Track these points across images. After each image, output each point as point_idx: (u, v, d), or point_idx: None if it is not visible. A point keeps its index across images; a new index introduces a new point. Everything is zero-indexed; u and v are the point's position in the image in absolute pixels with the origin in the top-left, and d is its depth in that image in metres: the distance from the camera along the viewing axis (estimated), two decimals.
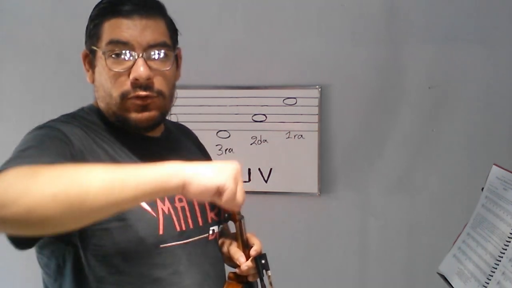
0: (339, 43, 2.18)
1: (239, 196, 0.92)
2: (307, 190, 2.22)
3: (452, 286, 1.28)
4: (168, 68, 1.10)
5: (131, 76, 1.05)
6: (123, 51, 1.05)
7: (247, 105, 2.23)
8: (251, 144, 2.24)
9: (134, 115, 1.08)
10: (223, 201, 0.90)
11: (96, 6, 1.14)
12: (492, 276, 1.15)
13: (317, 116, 2.19)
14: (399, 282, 2.20)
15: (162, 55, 1.08)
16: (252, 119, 2.24)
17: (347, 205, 2.22)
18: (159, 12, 1.11)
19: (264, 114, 2.24)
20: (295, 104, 2.21)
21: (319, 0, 2.19)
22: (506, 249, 1.15)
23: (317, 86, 2.19)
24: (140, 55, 1.05)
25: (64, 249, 1.02)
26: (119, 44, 1.05)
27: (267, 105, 2.23)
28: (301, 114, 2.20)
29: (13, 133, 2.44)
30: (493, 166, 1.33)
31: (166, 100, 1.12)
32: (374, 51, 2.16)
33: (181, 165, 0.89)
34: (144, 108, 1.08)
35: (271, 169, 2.24)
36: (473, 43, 2.09)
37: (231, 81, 2.20)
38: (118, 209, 0.85)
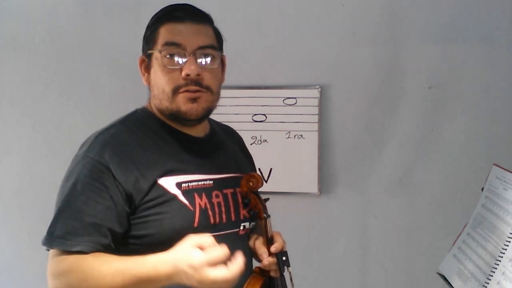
0: (339, 43, 2.18)
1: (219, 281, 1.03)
2: (307, 190, 2.22)
3: (452, 286, 1.28)
4: (215, 67, 1.25)
5: (183, 73, 1.19)
6: (177, 51, 1.20)
7: (247, 105, 2.23)
8: (251, 144, 2.24)
9: (185, 107, 1.21)
10: None
11: (153, 16, 1.28)
12: (492, 276, 1.15)
13: (317, 116, 2.19)
14: (399, 282, 2.20)
15: (210, 55, 1.23)
16: (252, 119, 2.24)
17: (347, 205, 2.22)
18: (207, 20, 1.28)
19: (264, 114, 2.24)
20: (295, 104, 2.21)
21: (319, 0, 2.19)
22: (506, 249, 1.15)
23: (317, 86, 2.19)
24: (191, 55, 1.20)
25: None
26: (173, 46, 1.21)
27: (267, 105, 2.23)
28: (301, 114, 2.20)
29: (13, 133, 2.47)
30: (493, 166, 1.33)
31: (213, 96, 1.26)
32: (374, 51, 2.16)
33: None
34: (194, 100, 1.21)
35: (271, 169, 2.24)
36: (473, 43, 2.09)
37: (231, 81, 2.19)
38: None
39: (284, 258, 1.25)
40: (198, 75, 1.20)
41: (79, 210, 1.12)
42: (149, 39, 1.25)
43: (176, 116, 1.23)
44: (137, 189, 1.15)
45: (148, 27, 1.28)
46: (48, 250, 1.14)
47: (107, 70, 2.34)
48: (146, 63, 1.27)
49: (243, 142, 1.54)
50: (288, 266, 1.25)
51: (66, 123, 2.37)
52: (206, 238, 1.06)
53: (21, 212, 2.41)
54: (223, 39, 1.31)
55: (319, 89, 2.18)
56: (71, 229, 1.11)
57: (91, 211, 1.12)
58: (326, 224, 2.24)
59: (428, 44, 2.12)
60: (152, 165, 1.18)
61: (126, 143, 1.20)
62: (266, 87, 2.23)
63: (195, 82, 1.20)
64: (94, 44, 2.35)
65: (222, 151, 1.36)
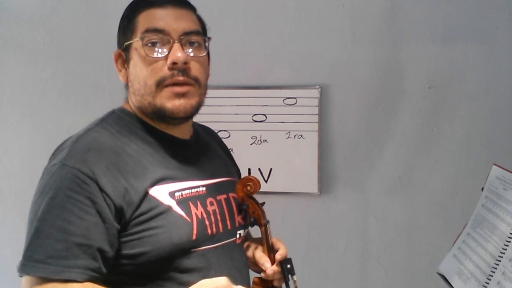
0: (339, 43, 2.18)
1: None
2: (307, 190, 2.22)
3: (452, 286, 1.28)
4: (203, 55, 1.12)
5: (169, 61, 1.06)
6: (160, 38, 1.07)
7: (247, 105, 2.23)
8: (251, 144, 2.24)
9: (171, 104, 1.08)
10: None
11: (128, 6, 1.16)
12: (492, 276, 1.15)
13: (317, 116, 2.19)
14: (399, 282, 2.20)
15: (196, 42, 1.11)
16: (252, 119, 2.24)
17: (347, 205, 2.22)
18: (190, 6, 1.15)
19: (264, 114, 2.24)
20: (295, 104, 2.21)
21: (319, 0, 2.19)
22: (506, 249, 1.15)
23: (317, 86, 2.19)
24: (176, 41, 1.07)
25: None
26: (155, 32, 1.07)
27: (267, 105, 2.22)
28: (301, 114, 2.20)
29: (13, 133, 2.47)
30: (493, 166, 1.33)
31: (201, 90, 1.13)
32: (374, 51, 2.16)
33: None
34: (181, 96, 1.08)
35: (271, 169, 2.24)
36: (473, 43, 2.09)
37: (231, 81, 2.20)
38: None
39: (288, 266, 1.16)
40: (185, 63, 1.07)
41: (60, 228, 0.94)
42: (126, 29, 1.13)
43: (160, 113, 1.09)
44: (127, 202, 1.00)
45: (123, 18, 1.16)
46: (21, 276, 0.98)
47: (107, 70, 2.34)
48: (122, 58, 1.14)
49: (223, 141, 1.43)
50: (293, 274, 1.16)
51: (66, 123, 2.37)
52: (221, 281, 0.94)
53: (21, 212, 2.40)
54: (207, 28, 1.20)
55: (319, 89, 2.18)
56: (53, 251, 0.93)
57: (76, 230, 0.95)
58: (326, 224, 2.24)
59: (428, 44, 2.12)
60: (140, 174, 1.04)
61: (110, 149, 1.04)
62: (266, 87, 2.23)
63: (182, 72, 1.07)
64: (94, 44, 2.35)
65: (209, 154, 1.25)
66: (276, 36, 2.23)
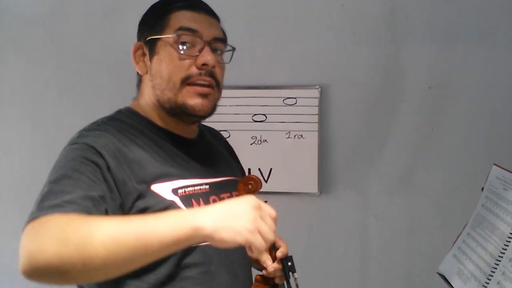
0: (339, 43, 2.18)
1: (267, 237, 0.93)
2: (307, 190, 2.22)
3: (452, 286, 1.28)
4: (227, 62, 1.19)
5: (200, 61, 1.11)
6: (192, 39, 1.11)
7: (247, 105, 2.23)
8: (251, 144, 2.24)
9: (193, 102, 1.12)
10: (253, 255, 0.97)
11: (159, 1, 1.19)
12: (492, 276, 1.15)
13: (317, 116, 2.19)
14: (399, 282, 2.20)
15: (220, 50, 1.17)
16: (252, 119, 2.24)
17: (347, 205, 2.22)
18: (217, 17, 1.22)
19: (264, 114, 2.24)
20: (295, 104, 2.21)
21: (319, 0, 2.19)
22: (506, 249, 1.15)
23: (317, 86, 2.19)
24: (207, 44, 1.12)
25: None
26: (189, 31, 1.11)
27: (267, 105, 2.22)
28: (301, 114, 2.20)
29: (13, 133, 2.46)
30: (493, 166, 1.33)
31: (219, 94, 1.19)
32: (375, 51, 2.16)
33: (197, 217, 0.89)
34: (204, 96, 1.13)
35: (271, 169, 2.24)
36: (473, 43, 2.09)
37: (231, 81, 2.19)
38: (139, 265, 0.87)
39: (289, 263, 1.17)
40: (213, 66, 1.12)
41: (74, 185, 0.93)
42: (156, 23, 1.14)
43: (180, 110, 1.12)
44: (127, 192, 1.01)
45: (153, 11, 1.18)
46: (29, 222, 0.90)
47: (107, 70, 2.34)
48: (142, 51, 1.16)
49: (228, 142, 1.46)
50: (294, 272, 1.17)
51: (66, 123, 2.36)
52: (250, 198, 0.96)
53: (21, 212, 2.40)
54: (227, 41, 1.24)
55: (319, 89, 2.18)
56: (69, 197, 0.91)
57: (88, 186, 0.94)
58: (326, 224, 2.24)
59: (428, 44, 2.12)
60: (144, 167, 1.06)
61: (117, 140, 1.06)
62: (266, 87, 2.23)
63: (209, 74, 1.12)
64: (94, 44, 2.35)
65: (213, 154, 1.28)
66: (276, 36, 2.23)
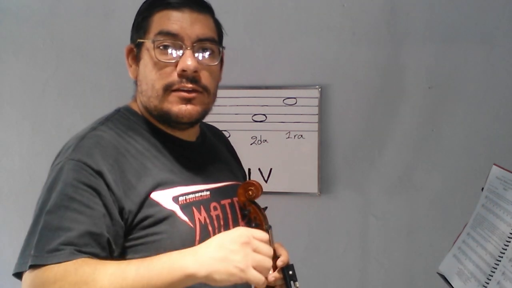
0: (339, 43, 2.18)
1: (264, 268, 0.96)
2: (307, 190, 2.22)
3: (452, 286, 1.28)
4: (215, 64, 1.10)
5: (179, 67, 1.05)
6: (172, 42, 1.05)
7: (247, 105, 2.23)
8: (251, 144, 2.24)
9: (177, 108, 1.06)
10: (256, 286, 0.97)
11: (146, 1, 1.13)
12: (492, 276, 1.15)
13: (317, 116, 2.19)
14: (399, 282, 2.20)
15: (210, 50, 1.09)
16: (252, 119, 2.24)
17: (347, 205, 2.22)
18: (208, 10, 1.13)
19: (264, 114, 2.24)
20: (295, 104, 2.21)
21: (319, 0, 2.19)
22: (506, 249, 1.15)
23: (317, 86, 2.19)
24: (189, 47, 1.05)
25: None
26: (168, 36, 1.05)
27: (267, 105, 2.22)
28: (301, 114, 2.20)
29: (13, 133, 2.46)
30: (493, 166, 1.33)
31: (210, 97, 1.12)
32: (374, 51, 2.16)
33: (188, 263, 0.92)
34: (187, 101, 1.07)
35: (271, 169, 2.24)
36: (473, 43, 2.09)
37: (231, 81, 2.20)
38: None
39: (290, 272, 1.14)
40: (195, 71, 1.05)
41: (71, 219, 0.93)
42: (140, 26, 1.10)
43: (165, 117, 1.08)
44: (128, 204, 0.99)
45: (139, 13, 1.12)
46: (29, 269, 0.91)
47: (107, 70, 2.34)
48: (134, 53, 1.12)
49: (230, 142, 1.42)
50: (295, 280, 1.13)
51: (66, 123, 2.37)
52: (240, 230, 0.97)
53: (21, 212, 2.41)
54: (224, 33, 1.18)
55: (319, 89, 2.18)
56: (66, 239, 0.91)
57: (86, 219, 0.93)
58: (326, 224, 2.24)
59: (428, 44, 2.12)
60: (143, 176, 1.02)
61: (114, 148, 1.03)
62: (266, 87, 2.23)
63: (191, 80, 1.05)
64: (94, 44, 2.35)
65: (215, 157, 1.24)
66: (276, 36, 2.23)
